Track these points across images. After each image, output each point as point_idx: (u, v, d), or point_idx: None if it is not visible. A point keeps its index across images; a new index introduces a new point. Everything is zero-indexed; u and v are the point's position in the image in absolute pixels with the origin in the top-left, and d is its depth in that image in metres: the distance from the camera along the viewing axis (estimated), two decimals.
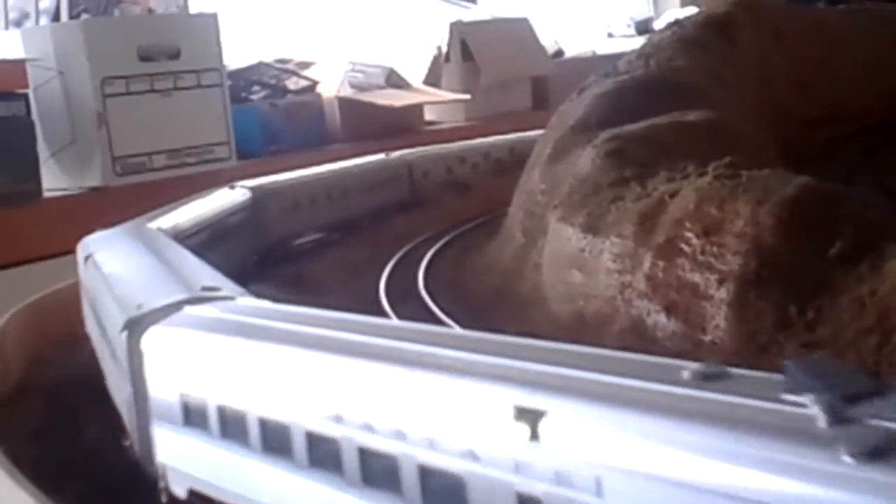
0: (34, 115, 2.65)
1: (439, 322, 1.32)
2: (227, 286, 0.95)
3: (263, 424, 0.72)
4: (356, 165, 2.12)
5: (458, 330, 0.77)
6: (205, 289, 0.93)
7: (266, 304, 0.89)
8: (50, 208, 2.63)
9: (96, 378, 1.12)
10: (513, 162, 2.28)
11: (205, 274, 1.03)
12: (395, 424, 0.63)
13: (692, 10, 1.95)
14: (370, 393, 0.65)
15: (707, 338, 1.02)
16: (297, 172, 1.96)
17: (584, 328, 1.17)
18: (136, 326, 0.87)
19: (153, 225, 1.43)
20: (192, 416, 0.79)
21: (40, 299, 1.48)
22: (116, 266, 1.14)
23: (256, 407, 0.73)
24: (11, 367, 1.31)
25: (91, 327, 1.22)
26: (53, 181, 2.74)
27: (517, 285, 1.40)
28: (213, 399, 0.77)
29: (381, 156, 2.19)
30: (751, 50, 1.86)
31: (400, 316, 1.36)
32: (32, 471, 0.88)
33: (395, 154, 2.22)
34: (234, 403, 0.75)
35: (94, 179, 2.74)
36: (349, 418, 0.66)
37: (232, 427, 0.75)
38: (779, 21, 1.97)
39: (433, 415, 0.61)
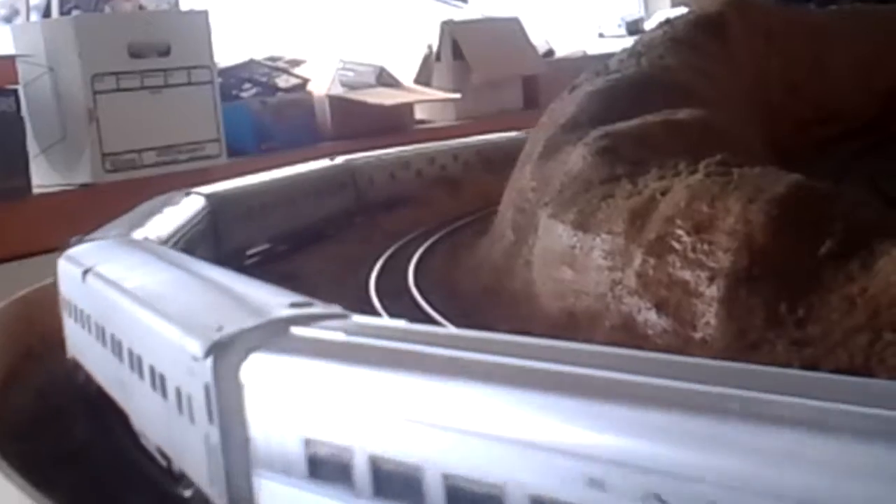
0: (24, 112, 2.65)
1: (431, 321, 1.32)
2: (315, 302, 0.78)
3: (451, 484, 0.56)
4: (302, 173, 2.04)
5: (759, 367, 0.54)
6: (295, 304, 0.76)
7: (399, 323, 0.74)
8: (39, 205, 2.63)
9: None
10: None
11: (263, 288, 0.86)
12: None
13: (683, 10, 1.95)
14: (650, 451, 0.48)
15: (697, 335, 1.03)
16: (252, 178, 1.91)
17: (574, 325, 1.17)
18: (225, 352, 0.70)
19: (138, 235, 1.31)
20: (325, 469, 0.63)
21: (28, 294, 1.48)
22: (143, 281, 0.97)
23: (437, 460, 0.56)
24: (0, 363, 1.30)
25: (91, 353, 1.06)
26: (43, 178, 2.74)
27: (508, 282, 1.40)
28: (362, 447, 0.60)
29: (325, 161, 2.13)
30: (742, 50, 1.86)
31: (390, 312, 1.36)
32: (21, 465, 0.88)
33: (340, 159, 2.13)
34: (399, 454, 0.59)
35: (83, 176, 2.73)
36: (613, 483, 0.49)
37: (395, 485, 0.59)
38: (770, 21, 1.97)
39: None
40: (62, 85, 2.74)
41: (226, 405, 0.70)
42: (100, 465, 0.99)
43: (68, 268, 1.16)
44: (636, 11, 5.12)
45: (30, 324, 1.41)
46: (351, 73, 3.61)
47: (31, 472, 0.86)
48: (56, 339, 1.25)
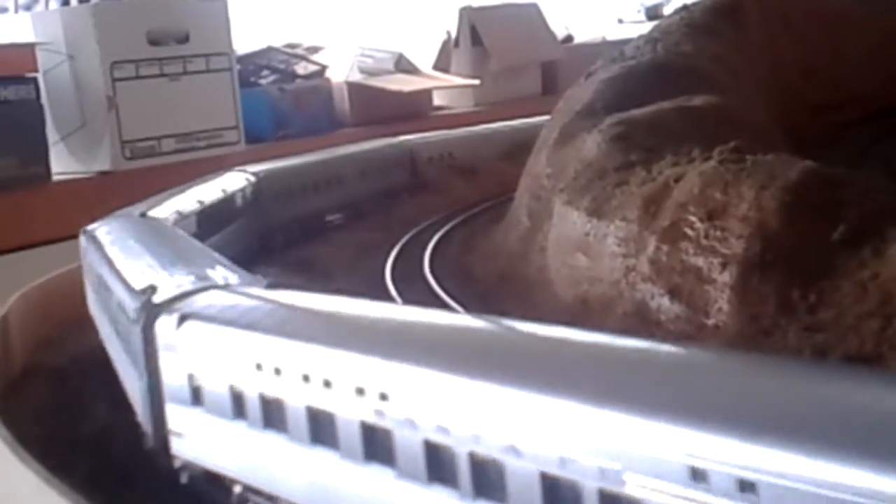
0: (43, 99, 2.66)
1: (445, 306, 1.32)
2: None
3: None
4: None
5: None
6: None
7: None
8: (59, 192, 2.64)
9: (102, 360, 1.13)
10: None
11: None
12: None
13: None
14: None
15: (710, 321, 1.03)
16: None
17: (588, 311, 1.17)
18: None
19: None
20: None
21: (47, 282, 1.49)
22: None
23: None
24: (18, 349, 1.31)
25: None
26: (62, 165, 2.75)
27: (523, 268, 1.40)
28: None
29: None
30: (758, 35, 1.86)
31: (405, 299, 1.36)
32: (39, 451, 0.89)
33: None
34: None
35: (103, 163, 2.75)
36: None
37: None
38: (786, 6, 1.96)
39: None
40: (81, 72, 2.75)
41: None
42: (117, 452, 1.00)
43: None
44: None
45: (48, 311, 1.42)
46: (369, 60, 3.61)
47: (48, 457, 0.87)
48: (74, 327, 1.26)
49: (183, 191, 1.59)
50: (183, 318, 0.83)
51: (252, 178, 1.76)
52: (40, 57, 2.75)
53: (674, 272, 1.08)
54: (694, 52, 1.66)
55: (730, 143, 1.17)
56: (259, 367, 0.72)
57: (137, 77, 2.77)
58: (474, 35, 3.86)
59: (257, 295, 0.85)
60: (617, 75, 1.60)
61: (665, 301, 1.08)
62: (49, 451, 0.91)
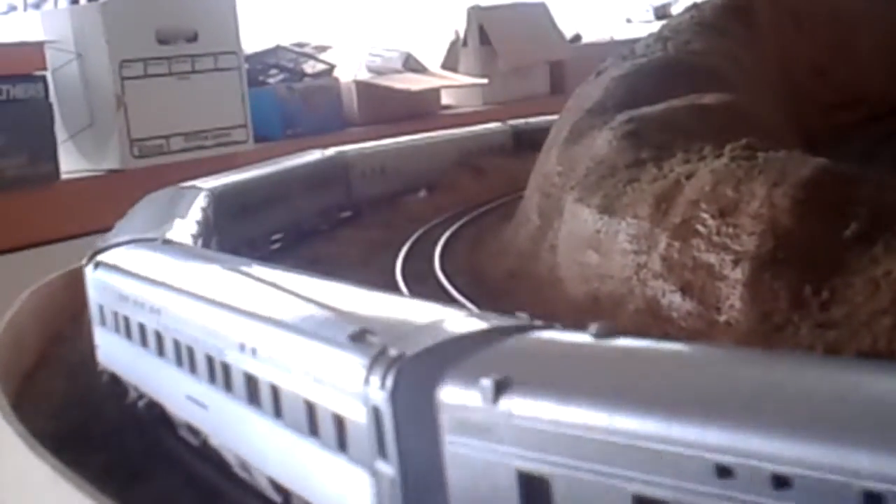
0: (52, 98, 2.66)
1: (457, 304, 1.32)
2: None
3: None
4: None
5: None
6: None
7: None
8: (67, 190, 2.64)
9: None
10: None
11: None
12: None
13: None
14: None
15: (722, 318, 1.03)
16: None
17: (599, 309, 1.17)
18: None
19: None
20: None
21: (56, 279, 1.49)
22: None
23: None
24: (30, 344, 1.32)
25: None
26: (71, 163, 2.75)
27: (533, 266, 1.40)
28: None
29: None
30: (769, 34, 1.86)
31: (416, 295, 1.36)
32: (53, 445, 0.89)
33: None
34: None
35: (111, 162, 2.74)
36: None
37: None
38: (798, 5, 1.96)
39: None
40: (90, 71, 2.75)
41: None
42: (128, 444, 1.00)
43: None
44: None
45: (59, 307, 1.42)
46: (377, 59, 3.61)
47: (63, 451, 0.87)
48: (84, 322, 1.26)
49: (154, 212, 1.45)
50: (502, 386, 0.56)
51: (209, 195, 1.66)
52: (49, 55, 2.75)
53: (685, 269, 1.08)
54: (705, 51, 1.66)
55: (741, 141, 1.17)
56: (726, 472, 0.47)
57: (146, 76, 2.77)
58: (482, 34, 3.86)
59: (617, 348, 0.59)
60: (627, 73, 1.60)
61: (677, 298, 1.08)
62: (63, 445, 0.92)
